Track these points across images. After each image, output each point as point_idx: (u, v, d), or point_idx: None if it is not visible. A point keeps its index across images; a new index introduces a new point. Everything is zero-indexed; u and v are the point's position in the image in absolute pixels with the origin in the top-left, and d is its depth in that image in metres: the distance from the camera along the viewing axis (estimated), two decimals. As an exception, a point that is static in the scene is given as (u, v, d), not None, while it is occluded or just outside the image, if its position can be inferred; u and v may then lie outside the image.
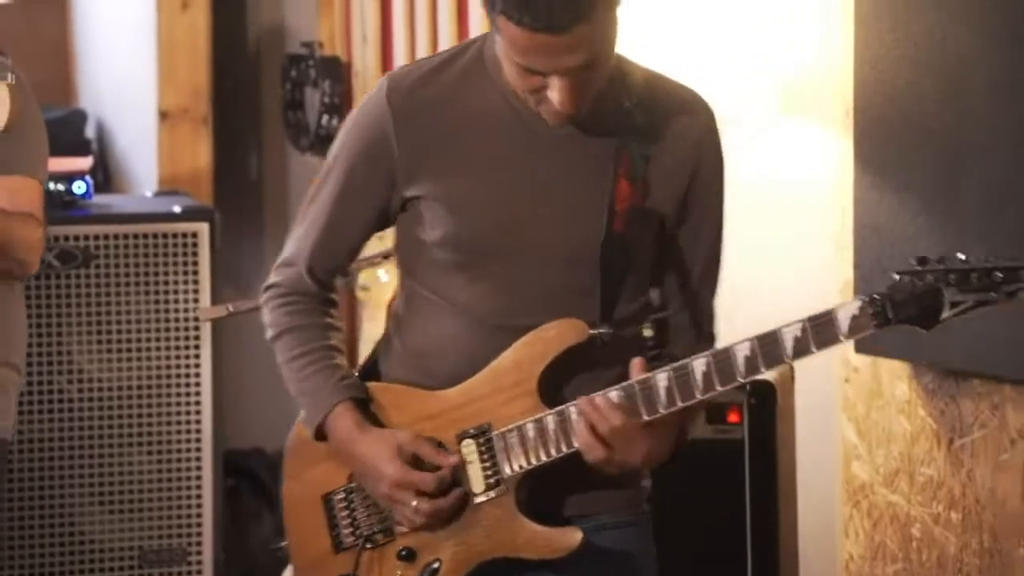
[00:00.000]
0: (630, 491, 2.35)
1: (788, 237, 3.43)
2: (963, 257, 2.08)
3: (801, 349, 2.12)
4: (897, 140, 3.08)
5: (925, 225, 3.01)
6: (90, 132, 5.03)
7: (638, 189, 2.25)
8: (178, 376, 4.05)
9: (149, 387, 4.04)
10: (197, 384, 4.06)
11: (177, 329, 4.06)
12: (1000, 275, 2.06)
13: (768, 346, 2.14)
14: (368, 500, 2.33)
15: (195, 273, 4.06)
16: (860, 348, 3.18)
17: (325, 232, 2.36)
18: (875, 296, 2.11)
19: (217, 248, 4.08)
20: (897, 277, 2.10)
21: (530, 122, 2.25)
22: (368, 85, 4.60)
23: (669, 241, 2.31)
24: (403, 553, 2.29)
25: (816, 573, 3.36)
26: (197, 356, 4.07)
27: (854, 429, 3.29)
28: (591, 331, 2.23)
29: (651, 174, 2.26)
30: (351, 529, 2.34)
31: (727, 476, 2.99)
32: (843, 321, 2.11)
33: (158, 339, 4.05)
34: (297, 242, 2.39)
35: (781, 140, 3.44)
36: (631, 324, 2.29)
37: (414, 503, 2.23)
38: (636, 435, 2.18)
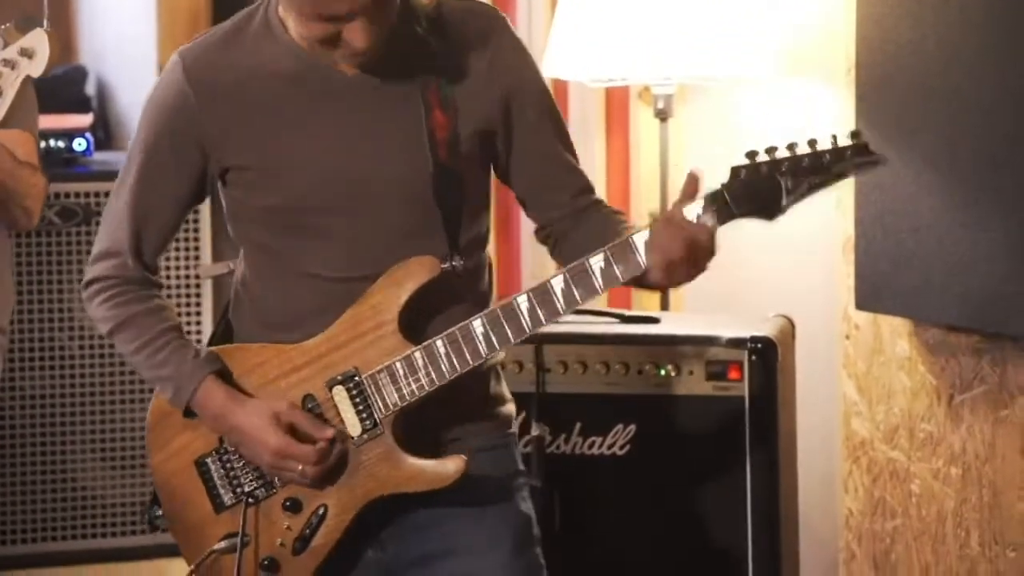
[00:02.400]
0: (497, 418, 2.38)
1: (789, 194, 3.43)
2: (793, 143, 2.15)
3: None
4: (899, 98, 3.08)
5: (926, 182, 3.01)
6: (91, 89, 5.01)
7: (451, 114, 2.25)
8: (180, 333, 4.06)
9: (151, 344, 4.05)
10: (198, 341, 4.06)
11: (178, 286, 4.06)
12: (828, 157, 2.14)
13: (619, 251, 2.19)
14: (243, 458, 2.32)
15: (196, 231, 4.06)
16: (861, 305, 3.19)
17: (139, 215, 2.35)
18: (715, 191, 2.16)
19: (218, 205, 4.08)
20: (734, 173, 2.16)
21: (327, 74, 2.24)
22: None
23: (517, 152, 2.31)
24: (287, 504, 2.30)
25: (816, 529, 3.38)
26: (198, 313, 4.07)
27: (854, 386, 3.30)
28: (443, 265, 2.25)
29: (459, 93, 2.26)
30: (230, 488, 2.33)
31: (728, 433, 3.00)
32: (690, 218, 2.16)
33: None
34: (112, 232, 2.36)
35: (784, 98, 3.44)
36: (477, 248, 2.31)
37: (299, 468, 2.25)
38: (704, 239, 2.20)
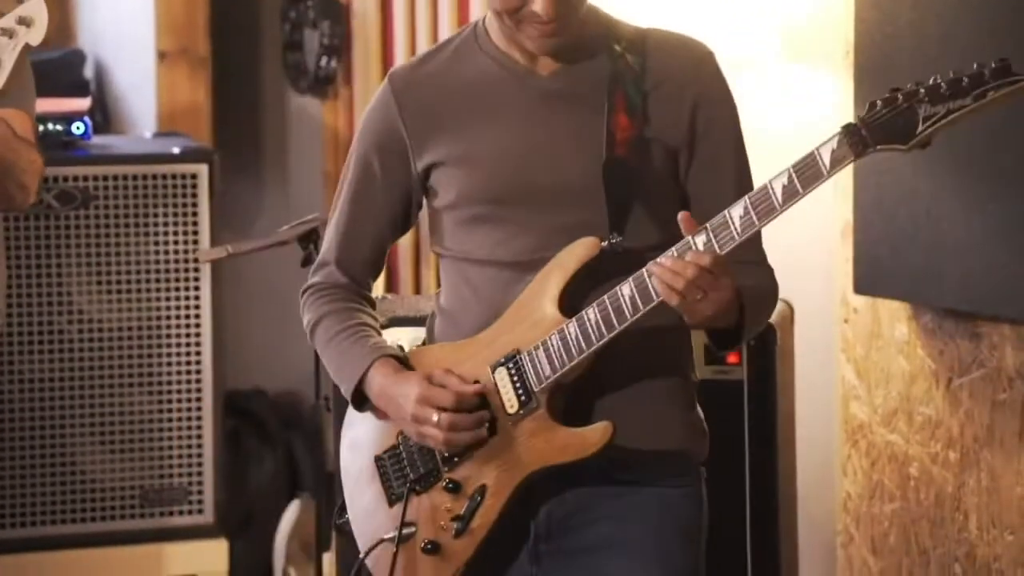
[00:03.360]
0: (682, 454, 2.40)
1: (788, 178, 3.42)
2: (938, 77, 2.13)
3: (790, 194, 2.20)
4: (897, 82, 3.06)
5: (924, 166, 3.00)
6: (89, 72, 5.01)
7: (637, 121, 2.32)
8: (178, 317, 4.06)
9: (149, 328, 4.05)
10: (197, 325, 4.07)
11: (176, 270, 4.06)
12: (967, 80, 2.12)
13: (759, 201, 2.21)
14: (412, 449, 2.40)
15: (194, 214, 4.06)
16: (860, 289, 3.19)
17: (348, 228, 2.46)
18: (849, 124, 2.17)
19: (216, 189, 4.08)
20: (871, 106, 2.16)
21: (522, 76, 2.36)
22: (367, 27, 4.58)
23: (692, 179, 2.37)
24: (449, 486, 2.38)
25: (814, 512, 3.38)
26: (197, 297, 4.07)
27: (853, 369, 3.31)
28: (602, 243, 2.31)
29: (650, 107, 2.33)
30: (401, 481, 2.41)
31: (727, 417, 3.00)
32: (825, 156, 2.17)
33: (158, 280, 4.05)
34: (326, 243, 2.50)
35: (781, 81, 3.44)
36: (649, 235, 2.34)
37: (435, 417, 2.31)
38: (712, 277, 2.22)
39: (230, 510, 4.21)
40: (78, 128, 4.09)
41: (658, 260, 2.24)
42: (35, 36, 2.36)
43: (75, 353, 4.02)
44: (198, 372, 4.08)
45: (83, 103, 4.27)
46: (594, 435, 2.30)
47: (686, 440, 2.41)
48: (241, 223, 4.82)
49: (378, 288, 3.88)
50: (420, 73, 2.41)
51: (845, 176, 3.24)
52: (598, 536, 2.35)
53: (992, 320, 2.97)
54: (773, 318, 3.04)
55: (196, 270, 4.06)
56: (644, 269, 2.26)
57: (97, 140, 4.21)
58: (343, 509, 2.50)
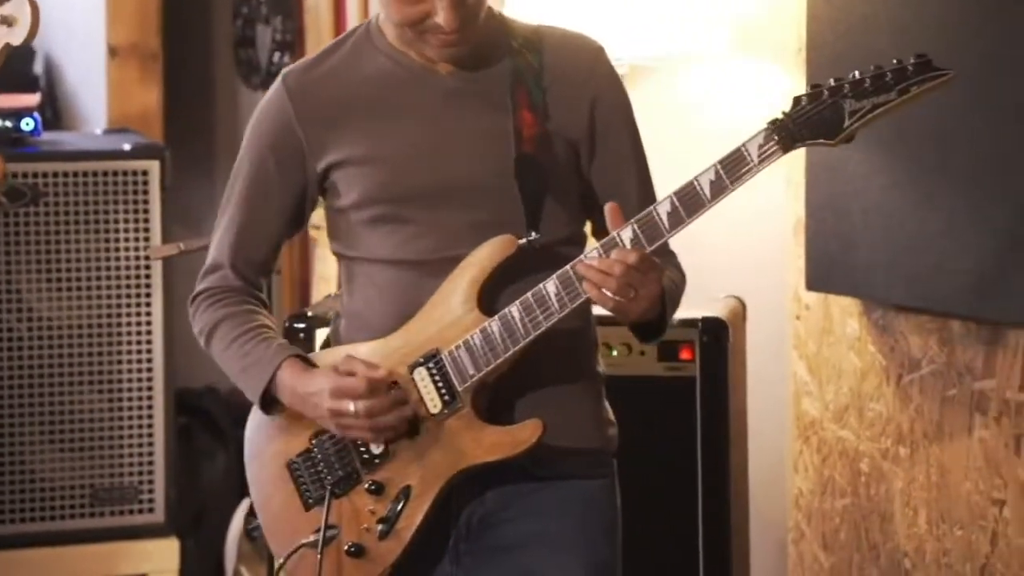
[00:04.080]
0: (596, 449, 2.40)
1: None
2: (858, 72, 2.16)
3: (718, 189, 2.21)
4: (849, 78, 3.08)
5: (876, 163, 3.01)
6: (38, 68, 4.97)
7: (540, 117, 2.32)
8: (129, 315, 4.04)
9: (100, 326, 4.02)
10: (148, 323, 4.05)
11: (128, 267, 4.04)
12: (890, 75, 2.16)
13: (687, 197, 2.22)
14: (328, 451, 2.36)
15: (145, 211, 4.04)
16: (812, 286, 3.20)
17: (242, 228, 2.41)
18: (776, 120, 2.19)
19: (167, 186, 4.06)
20: (796, 102, 2.19)
21: (422, 76, 2.34)
22: (320, 22, 4.57)
23: (595, 175, 2.38)
24: (372, 487, 2.34)
25: (766, 508, 3.39)
26: (148, 295, 4.05)
27: (805, 366, 3.31)
28: (519, 241, 2.30)
29: (550, 104, 2.34)
30: (319, 484, 2.37)
31: (679, 413, 3.01)
32: (753, 153, 2.19)
33: (108, 277, 4.03)
34: (217, 246, 2.44)
35: (733, 77, 3.44)
36: (562, 231, 2.35)
37: (351, 407, 2.28)
38: (640, 273, 2.23)
39: (181, 509, 4.19)
40: (27, 124, 4.06)
41: (584, 260, 2.23)
42: (17, 36, 2.32)
43: (24, 351, 3.99)
44: (149, 370, 4.05)
45: (32, 99, 4.24)
46: (524, 432, 2.29)
47: (601, 433, 2.41)
48: (193, 220, 4.79)
49: (330, 286, 3.86)
50: (316, 73, 2.37)
51: (797, 173, 3.24)
52: (519, 532, 2.34)
53: (942, 316, 2.98)
54: (725, 315, 3.05)
55: (147, 267, 4.04)
56: (569, 267, 2.25)
57: (47, 136, 4.19)
58: (253, 514, 2.47)
